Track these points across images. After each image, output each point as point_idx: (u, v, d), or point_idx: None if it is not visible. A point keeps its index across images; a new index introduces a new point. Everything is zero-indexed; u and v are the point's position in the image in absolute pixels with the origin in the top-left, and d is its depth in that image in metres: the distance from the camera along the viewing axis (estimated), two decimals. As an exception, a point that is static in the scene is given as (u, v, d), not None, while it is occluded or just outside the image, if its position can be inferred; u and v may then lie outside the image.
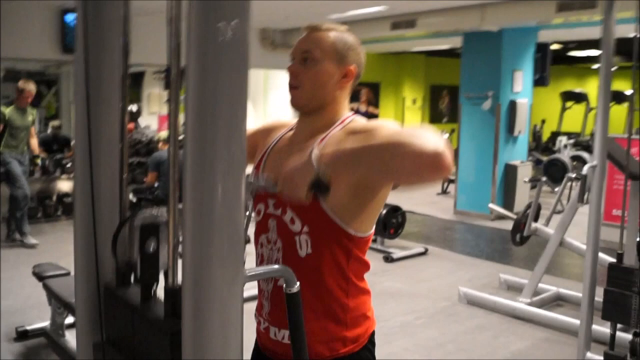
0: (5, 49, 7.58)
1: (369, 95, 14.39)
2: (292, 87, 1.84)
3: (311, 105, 1.84)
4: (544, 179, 6.07)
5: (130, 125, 11.11)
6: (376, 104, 15.36)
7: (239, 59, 1.10)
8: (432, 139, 1.47)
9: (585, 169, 4.15)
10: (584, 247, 4.73)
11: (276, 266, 1.77)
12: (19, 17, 8.11)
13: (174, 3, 1.19)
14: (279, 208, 1.83)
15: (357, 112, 1.93)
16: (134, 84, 13.24)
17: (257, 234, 1.93)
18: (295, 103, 1.85)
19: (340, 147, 1.55)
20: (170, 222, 1.21)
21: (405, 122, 16.10)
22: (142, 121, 12.11)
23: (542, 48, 10.01)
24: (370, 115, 13.57)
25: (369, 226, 1.84)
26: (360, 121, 1.86)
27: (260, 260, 1.90)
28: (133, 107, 12.39)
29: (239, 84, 1.11)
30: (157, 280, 1.30)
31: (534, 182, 6.34)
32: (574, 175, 5.65)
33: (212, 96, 1.09)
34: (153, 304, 1.29)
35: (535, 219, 5.81)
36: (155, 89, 13.07)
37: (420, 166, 1.46)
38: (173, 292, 1.20)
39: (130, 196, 8.10)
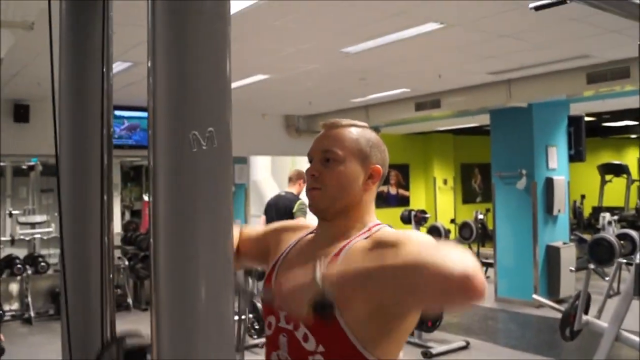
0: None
1: (398, 178, 14.24)
2: (313, 189, 1.65)
3: (334, 209, 1.65)
4: (591, 266, 5.58)
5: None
6: (406, 186, 15.15)
7: (218, 170, 0.95)
8: (461, 259, 1.30)
9: (638, 258, 3.69)
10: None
11: None
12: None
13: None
14: (291, 322, 1.61)
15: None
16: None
17: (268, 352, 1.71)
18: (316, 206, 1.66)
19: (358, 264, 1.38)
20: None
21: (438, 203, 15.82)
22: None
23: (575, 121, 9.58)
24: (401, 198, 13.47)
25: (395, 353, 1.58)
26: (390, 232, 1.64)
27: None
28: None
29: (221, 198, 0.96)
30: None
31: (581, 269, 5.86)
32: (624, 261, 5.19)
33: (188, 218, 0.96)
34: None
35: (586, 311, 5.28)
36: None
37: (446, 290, 1.29)
38: None
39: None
